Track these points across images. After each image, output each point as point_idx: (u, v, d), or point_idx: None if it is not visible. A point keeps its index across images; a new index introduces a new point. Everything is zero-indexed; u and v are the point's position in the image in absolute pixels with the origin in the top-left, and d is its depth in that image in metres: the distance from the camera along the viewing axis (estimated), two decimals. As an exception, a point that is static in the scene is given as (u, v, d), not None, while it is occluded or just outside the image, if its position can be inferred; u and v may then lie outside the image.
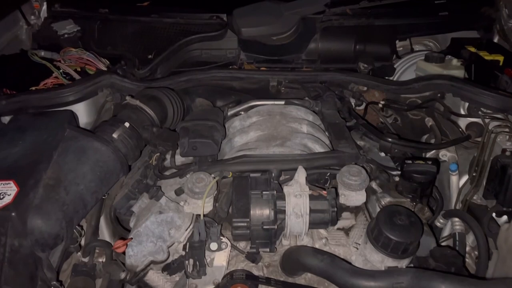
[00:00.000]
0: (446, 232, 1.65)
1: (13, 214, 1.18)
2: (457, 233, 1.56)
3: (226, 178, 1.46)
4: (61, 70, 1.99)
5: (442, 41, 2.58)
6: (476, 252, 1.49)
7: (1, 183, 1.25)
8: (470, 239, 1.58)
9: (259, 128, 1.63)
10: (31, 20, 2.44)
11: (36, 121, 1.55)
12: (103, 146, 1.44)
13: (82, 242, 1.45)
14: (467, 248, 1.56)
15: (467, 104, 1.76)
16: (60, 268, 1.35)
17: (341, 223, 1.41)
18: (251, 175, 1.41)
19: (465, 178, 1.68)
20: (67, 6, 2.48)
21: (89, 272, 1.34)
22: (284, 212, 1.27)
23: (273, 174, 1.41)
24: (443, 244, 1.62)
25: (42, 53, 2.11)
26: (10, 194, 1.21)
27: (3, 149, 1.40)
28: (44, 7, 2.49)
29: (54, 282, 1.24)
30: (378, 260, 1.21)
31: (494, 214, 1.50)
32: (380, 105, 1.94)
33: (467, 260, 1.55)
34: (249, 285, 1.22)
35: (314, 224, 1.29)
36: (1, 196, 1.21)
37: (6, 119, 1.66)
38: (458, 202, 1.66)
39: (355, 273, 1.13)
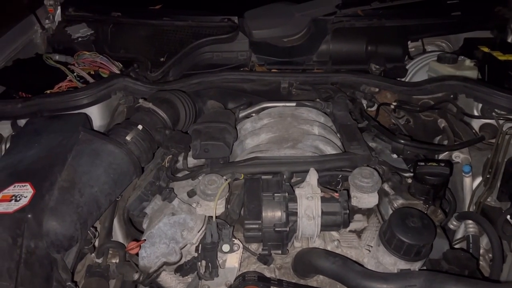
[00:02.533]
0: (459, 235, 1.63)
1: (29, 216, 1.20)
2: (470, 236, 1.54)
3: (237, 180, 1.46)
4: (75, 74, 2.02)
5: (455, 41, 2.55)
6: (491, 255, 1.47)
7: (18, 185, 1.27)
8: (484, 241, 1.56)
9: (270, 130, 1.64)
10: (46, 24, 2.48)
11: (51, 124, 1.57)
12: (117, 149, 1.45)
13: (96, 244, 1.47)
14: (481, 251, 1.54)
15: (480, 105, 1.74)
16: (75, 269, 1.37)
17: (353, 225, 1.41)
18: (263, 177, 1.41)
19: (478, 180, 1.66)
20: (80, 10, 2.51)
21: (103, 273, 1.35)
22: (296, 214, 1.28)
23: (284, 176, 1.41)
24: (456, 246, 1.60)
25: (57, 57, 2.14)
26: (27, 196, 1.23)
27: (19, 151, 1.43)
28: (58, 11, 2.53)
29: (69, 283, 1.25)
30: (391, 263, 1.21)
31: (508, 216, 1.48)
32: (392, 106, 1.93)
33: (481, 262, 1.53)
34: (261, 287, 1.22)
35: (326, 226, 1.29)
36: (18, 198, 1.23)
37: (22, 122, 1.68)
38: (472, 204, 1.65)
39: (367, 275, 1.13)
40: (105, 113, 1.83)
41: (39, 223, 1.21)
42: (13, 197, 1.23)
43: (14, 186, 1.27)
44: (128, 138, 1.50)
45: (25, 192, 1.25)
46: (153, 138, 1.59)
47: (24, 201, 1.22)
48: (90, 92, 1.76)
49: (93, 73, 2.06)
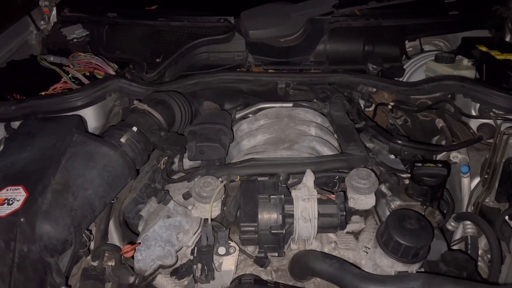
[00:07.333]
0: (458, 235, 1.62)
1: (22, 219, 1.18)
2: (469, 236, 1.53)
3: (234, 182, 1.45)
4: (70, 75, 2.01)
5: (453, 40, 2.54)
6: (489, 255, 1.46)
7: (11, 189, 1.26)
8: (482, 242, 1.55)
9: (267, 131, 1.63)
10: (41, 25, 2.47)
11: (45, 126, 1.55)
12: (111, 151, 1.44)
13: (92, 246, 1.46)
14: (480, 252, 1.53)
15: (478, 105, 1.73)
16: (70, 273, 1.36)
17: (350, 227, 1.40)
18: (259, 178, 1.40)
19: (476, 180, 1.65)
20: (76, 11, 2.49)
21: (99, 276, 1.34)
22: (292, 216, 1.27)
23: (281, 178, 1.40)
24: (455, 247, 1.59)
25: (51, 58, 2.13)
26: (19, 200, 1.22)
27: (13, 154, 1.41)
28: (54, 12, 2.52)
29: (63, 287, 1.25)
30: (388, 265, 1.20)
31: (507, 217, 1.47)
32: (390, 107, 1.92)
33: (480, 263, 1.52)
34: (257, 290, 1.21)
35: (322, 228, 1.28)
36: (11, 202, 1.22)
37: (15, 124, 1.66)
38: (470, 204, 1.64)
39: (364, 278, 1.12)
40: (100, 115, 1.81)
41: (32, 226, 1.19)
42: (6, 201, 1.22)
43: (7, 190, 1.25)
44: (122, 140, 1.49)
45: (17, 195, 1.23)
46: (148, 140, 1.58)
47: (16, 205, 1.20)
48: (85, 94, 1.74)
49: (88, 74, 2.05)
